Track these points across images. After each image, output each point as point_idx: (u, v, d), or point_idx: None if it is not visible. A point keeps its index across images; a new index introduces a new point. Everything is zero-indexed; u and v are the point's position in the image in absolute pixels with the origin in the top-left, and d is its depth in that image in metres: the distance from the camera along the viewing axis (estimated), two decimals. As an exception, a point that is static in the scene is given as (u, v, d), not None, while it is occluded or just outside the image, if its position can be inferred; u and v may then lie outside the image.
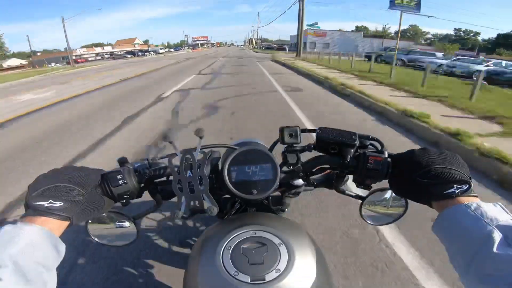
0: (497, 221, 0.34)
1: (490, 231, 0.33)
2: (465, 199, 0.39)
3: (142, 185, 0.51)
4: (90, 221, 0.52)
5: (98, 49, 64.37)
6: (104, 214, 0.52)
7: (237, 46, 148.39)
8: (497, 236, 0.32)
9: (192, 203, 0.46)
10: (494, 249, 0.31)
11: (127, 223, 0.54)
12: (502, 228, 0.33)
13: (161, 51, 68.59)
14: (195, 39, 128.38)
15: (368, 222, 0.60)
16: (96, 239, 0.55)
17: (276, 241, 0.45)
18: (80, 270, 1.48)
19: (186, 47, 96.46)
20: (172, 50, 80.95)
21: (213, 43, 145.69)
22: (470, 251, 0.34)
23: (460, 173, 0.41)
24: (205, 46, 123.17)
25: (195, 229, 1.67)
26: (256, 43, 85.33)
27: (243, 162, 0.51)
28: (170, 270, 1.43)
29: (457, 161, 0.43)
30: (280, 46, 53.62)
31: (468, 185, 0.40)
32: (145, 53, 57.73)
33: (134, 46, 75.41)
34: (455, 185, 0.40)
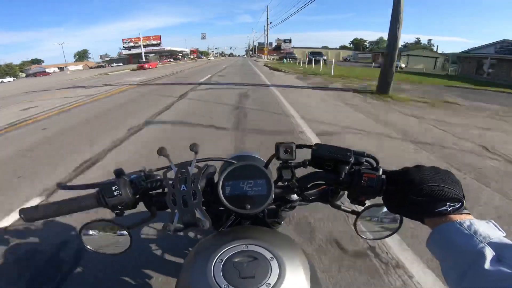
0: (489, 238, 0.34)
1: (482, 249, 0.33)
2: (457, 217, 0.39)
3: (137, 196, 0.51)
4: (84, 229, 0.52)
5: None
6: (98, 223, 0.52)
7: (238, 56, 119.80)
8: (489, 253, 0.33)
9: (185, 216, 0.46)
10: (486, 266, 0.32)
11: (121, 232, 0.54)
12: (494, 245, 0.33)
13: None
14: (128, 42, 64.87)
15: (363, 236, 0.60)
16: (90, 247, 0.54)
17: (268, 255, 0.45)
18: (72, 278, 1.45)
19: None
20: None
21: (172, 54, 72.26)
22: (462, 268, 0.34)
23: (453, 191, 0.41)
24: (161, 59, 59.57)
25: (190, 239, 1.65)
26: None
27: (238, 177, 0.51)
28: (163, 279, 1.41)
29: (450, 179, 0.43)
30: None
31: (460, 203, 0.40)
32: None
33: None
34: (447, 203, 0.40)
